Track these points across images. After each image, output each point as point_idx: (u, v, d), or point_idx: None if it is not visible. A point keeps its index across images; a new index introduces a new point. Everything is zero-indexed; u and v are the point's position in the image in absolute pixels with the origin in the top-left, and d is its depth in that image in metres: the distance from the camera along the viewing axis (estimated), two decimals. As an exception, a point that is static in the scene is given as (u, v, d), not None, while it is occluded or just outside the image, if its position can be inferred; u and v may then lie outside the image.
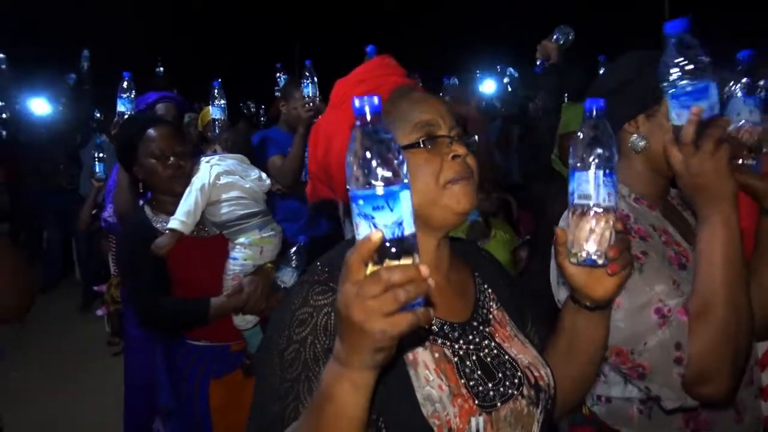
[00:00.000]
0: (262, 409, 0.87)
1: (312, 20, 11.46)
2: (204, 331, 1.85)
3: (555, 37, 2.75)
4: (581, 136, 0.86)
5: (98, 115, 5.89)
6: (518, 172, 4.61)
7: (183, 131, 2.02)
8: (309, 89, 2.67)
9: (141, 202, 2.37)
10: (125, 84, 2.38)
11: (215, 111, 2.61)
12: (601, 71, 3.08)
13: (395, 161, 0.64)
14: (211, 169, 1.89)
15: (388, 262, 0.64)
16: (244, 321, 1.88)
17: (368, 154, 0.64)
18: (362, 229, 0.64)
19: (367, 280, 0.63)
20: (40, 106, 7.41)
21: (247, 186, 1.93)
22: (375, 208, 0.63)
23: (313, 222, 2.97)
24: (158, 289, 1.79)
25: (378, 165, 0.63)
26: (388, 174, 0.63)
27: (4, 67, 5.82)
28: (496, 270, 1.13)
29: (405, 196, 0.64)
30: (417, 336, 0.90)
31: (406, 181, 0.64)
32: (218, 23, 11.34)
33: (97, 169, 3.38)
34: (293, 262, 1.92)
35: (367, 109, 0.65)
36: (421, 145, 0.92)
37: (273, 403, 0.84)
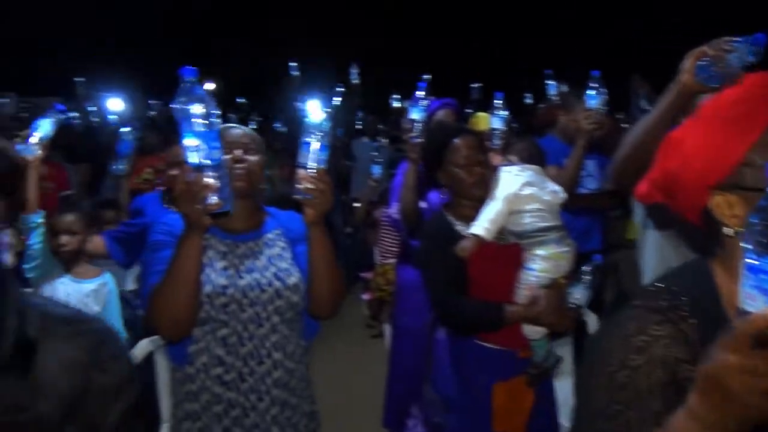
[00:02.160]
0: (587, 422, 0.89)
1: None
2: (494, 334, 1.92)
3: None
4: None
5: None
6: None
7: (485, 141, 2.12)
8: (594, 101, 2.60)
9: (430, 204, 2.55)
10: (421, 92, 2.56)
11: (496, 121, 2.68)
12: None
13: None
14: (515, 179, 1.95)
15: None
16: (533, 331, 1.91)
17: None
18: (758, 303, 0.62)
19: (760, 358, 0.62)
20: (314, 109, 8.39)
21: (546, 198, 1.95)
22: None
23: (584, 235, 2.89)
24: (458, 289, 1.91)
25: None
26: None
27: (296, 74, 6.67)
28: None
29: None
30: None
31: None
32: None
33: (375, 171, 3.81)
34: (587, 281, 1.89)
35: None
36: None
37: (599, 421, 0.85)
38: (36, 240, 2.46)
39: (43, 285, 2.45)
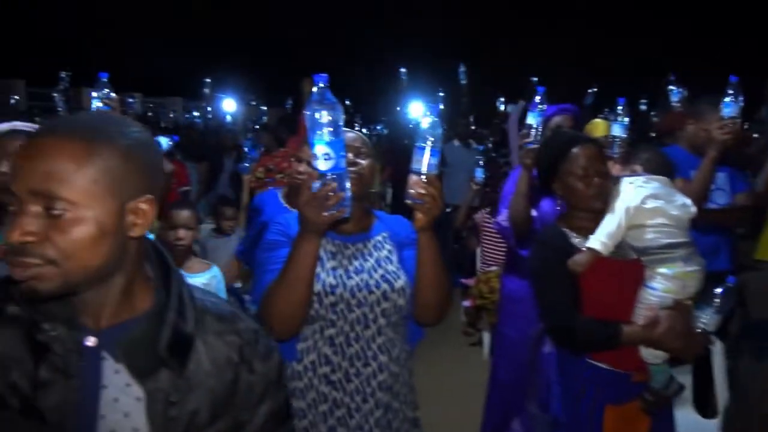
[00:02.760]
0: None
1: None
2: (607, 354, 1.81)
3: None
4: None
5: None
6: None
7: (604, 150, 1.99)
8: (731, 109, 2.40)
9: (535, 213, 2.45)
10: (537, 98, 2.46)
11: (617, 128, 2.52)
12: None
13: None
14: (636, 191, 1.83)
15: None
16: (652, 355, 1.78)
17: None
18: None
19: None
20: (424, 114, 8.40)
21: (673, 213, 1.81)
22: None
23: (712, 254, 2.67)
24: (571, 304, 1.81)
25: None
26: None
27: (404, 79, 6.73)
28: None
29: None
30: None
31: None
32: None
33: (477, 175, 3.77)
34: (716, 303, 1.73)
35: None
36: None
37: None
38: None
39: None
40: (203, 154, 5.74)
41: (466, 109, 5.95)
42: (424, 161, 1.43)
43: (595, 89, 5.80)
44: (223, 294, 2.63)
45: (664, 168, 1.96)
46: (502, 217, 2.57)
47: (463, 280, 4.29)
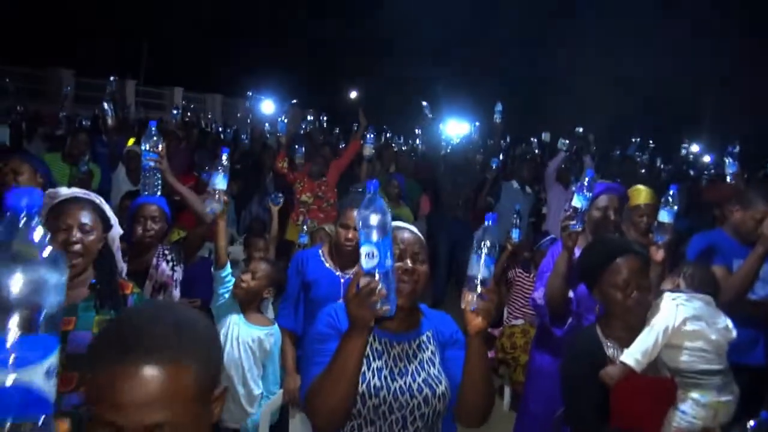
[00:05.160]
0: None
1: None
2: None
3: None
4: None
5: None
6: None
7: (648, 265, 1.95)
8: None
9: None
10: (586, 181, 2.39)
11: (664, 215, 2.41)
12: None
13: None
14: (677, 310, 1.80)
15: None
16: None
17: None
18: None
19: None
20: (451, 128, 8.31)
21: (713, 337, 1.77)
22: None
23: (748, 347, 2.61)
24: (598, 415, 1.81)
25: None
26: None
27: (430, 115, 6.68)
28: None
29: None
30: None
31: None
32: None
33: (514, 235, 3.74)
34: None
35: None
36: None
37: None
38: (225, 290, 2.66)
39: (220, 321, 2.65)
40: (239, 172, 5.69)
41: (498, 146, 5.86)
42: (482, 268, 1.43)
43: (639, 139, 5.69)
44: (278, 352, 2.69)
45: (708, 285, 1.92)
46: (539, 295, 2.55)
47: (490, 330, 4.27)
